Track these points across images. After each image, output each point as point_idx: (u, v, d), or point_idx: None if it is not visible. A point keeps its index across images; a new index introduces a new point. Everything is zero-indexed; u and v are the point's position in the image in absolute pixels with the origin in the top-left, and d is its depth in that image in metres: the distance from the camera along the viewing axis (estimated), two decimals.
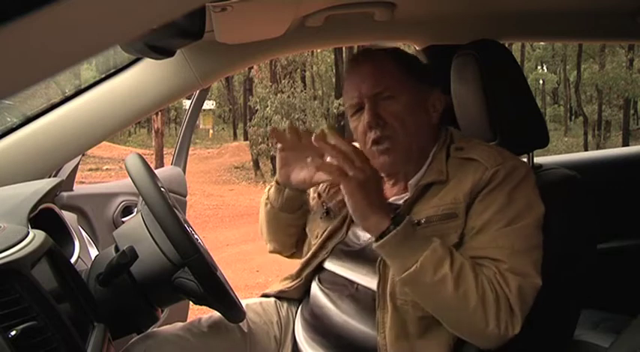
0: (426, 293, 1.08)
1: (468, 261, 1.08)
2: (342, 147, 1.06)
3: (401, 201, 1.23)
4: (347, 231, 1.28)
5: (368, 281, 1.20)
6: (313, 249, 1.31)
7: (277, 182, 1.34)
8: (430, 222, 1.14)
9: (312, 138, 1.09)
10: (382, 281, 1.16)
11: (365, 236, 1.25)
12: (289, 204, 1.34)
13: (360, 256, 1.23)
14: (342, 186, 1.08)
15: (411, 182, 1.23)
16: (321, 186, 1.39)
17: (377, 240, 1.07)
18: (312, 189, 1.50)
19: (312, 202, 1.43)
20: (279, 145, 1.26)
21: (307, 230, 1.40)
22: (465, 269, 1.06)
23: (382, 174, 1.25)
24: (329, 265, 1.28)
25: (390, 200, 1.26)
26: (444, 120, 1.29)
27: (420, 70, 1.28)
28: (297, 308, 1.37)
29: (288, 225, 1.40)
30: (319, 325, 1.26)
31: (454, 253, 1.08)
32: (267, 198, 1.38)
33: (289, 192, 1.32)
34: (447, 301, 1.06)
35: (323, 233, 1.30)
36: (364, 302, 1.19)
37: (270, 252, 1.51)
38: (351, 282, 1.22)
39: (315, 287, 1.31)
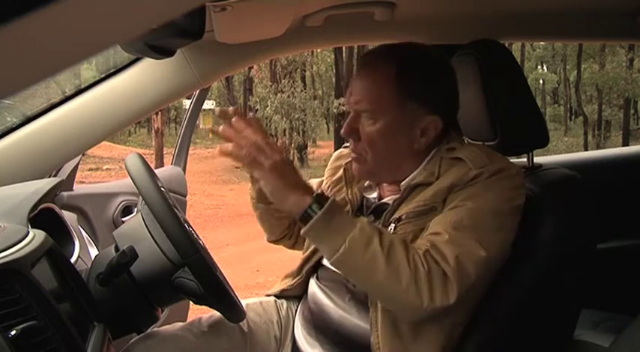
0: (358, 272, 1.08)
1: (398, 238, 1.07)
2: (252, 137, 1.07)
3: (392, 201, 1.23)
4: None
5: None
6: (314, 245, 1.31)
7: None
8: (409, 217, 1.15)
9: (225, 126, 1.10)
10: None
11: None
12: (261, 196, 1.34)
13: None
14: (254, 173, 1.08)
15: (403, 183, 1.24)
16: (325, 185, 1.40)
17: (303, 224, 1.07)
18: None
19: None
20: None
21: None
22: (395, 245, 1.05)
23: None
24: (326, 262, 1.28)
25: (385, 200, 1.27)
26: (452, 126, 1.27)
27: (425, 90, 1.18)
28: (297, 307, 1.38)
29: (270, 213, 1.42)
30: (317, 321, 1.26)
31: (383, 231, 1.07)
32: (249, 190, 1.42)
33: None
34: (380, 279, 1.04)
35: None
36: (361, 298, 1.19)
37: (269, 241, 1.52)
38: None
39: (313, 285, 1.31)
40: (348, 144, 1.46)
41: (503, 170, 1.15)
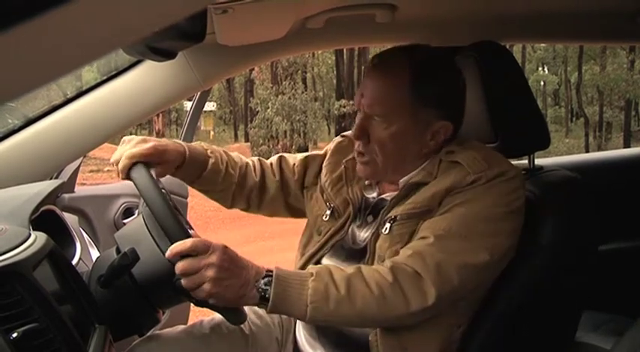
0: (336, 321, 1.12)
1: (352, 271, 1.09)
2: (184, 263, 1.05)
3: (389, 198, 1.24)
4: (347, 230, 1.28)
5: None
6: (317, 246, 1.31)
7: None
8: (404, 218, 1.17)
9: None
10: None
11: (363, 235, 1.25)
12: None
13: (357, 254, 1.24)
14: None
15: (401, 180, 1.24)
16: (325, 182, 1.38)
17: (265, 307, 1.08)
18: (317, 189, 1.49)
19: (315, 199, 1.42)
20: None
21: (310, 223, 1.39)
22: (351, 281, 1.07)
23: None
24: (326, 261, 1.28)
25: (383, 196, 1.27)
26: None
27: (439, 97, 1.18)
28: None
29: (206, 188, 1.37)
30: None
31: (333, 273, 1.08)
32: None
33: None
34: (356, 315, 1.08)
35: (327, 232, 1.31)
36: None
37: (228, 208, 1.47)
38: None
39: None
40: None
41: (502, 174, 1.15)
